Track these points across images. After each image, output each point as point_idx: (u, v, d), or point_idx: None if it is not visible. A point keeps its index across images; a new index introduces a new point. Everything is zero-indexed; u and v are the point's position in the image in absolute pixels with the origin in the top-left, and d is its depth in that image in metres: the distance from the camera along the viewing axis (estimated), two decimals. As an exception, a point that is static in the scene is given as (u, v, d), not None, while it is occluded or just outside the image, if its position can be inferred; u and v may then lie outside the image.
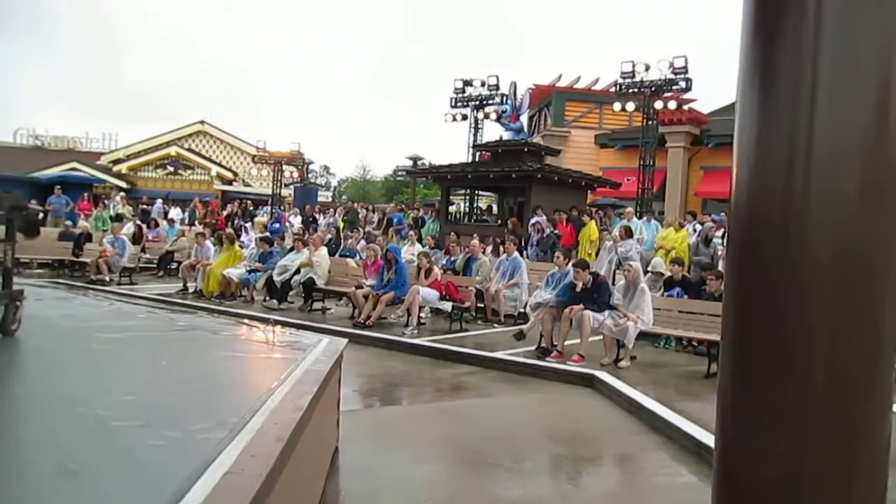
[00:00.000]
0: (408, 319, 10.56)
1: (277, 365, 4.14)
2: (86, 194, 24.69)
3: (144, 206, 24.74)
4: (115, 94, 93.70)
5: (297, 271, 12.74)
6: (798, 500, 1.28)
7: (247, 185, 37.80)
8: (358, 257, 15.24)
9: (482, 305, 11.86)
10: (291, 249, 13.77)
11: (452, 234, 15.41)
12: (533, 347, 9.15)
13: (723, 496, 1.42)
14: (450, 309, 10.81)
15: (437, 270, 11.35)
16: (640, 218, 16.72)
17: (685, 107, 22.28)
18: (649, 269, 11.02)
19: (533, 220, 15.89)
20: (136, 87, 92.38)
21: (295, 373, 3.75)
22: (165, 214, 23.92)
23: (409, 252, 15.02)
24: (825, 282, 1.30)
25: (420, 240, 16.41)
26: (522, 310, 11.27)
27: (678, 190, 24.55)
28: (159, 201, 25.72)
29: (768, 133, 1.41)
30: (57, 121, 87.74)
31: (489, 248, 14.05)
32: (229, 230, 16.97)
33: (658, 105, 19.58)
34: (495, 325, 11.37)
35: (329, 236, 17.74)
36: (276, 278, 12.74)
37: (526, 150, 18.66)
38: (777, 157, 1.39)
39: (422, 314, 11.10)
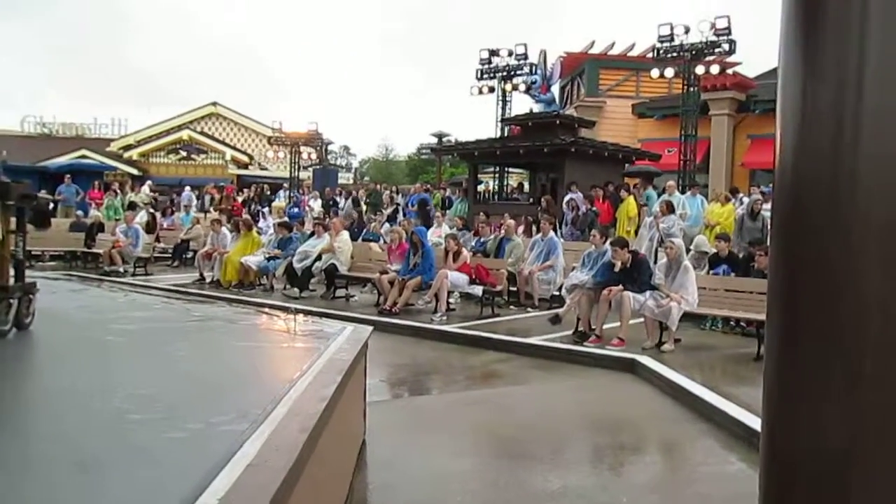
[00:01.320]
0: (436, 305, 10.62)
1: (299, 355, 4.19)
2: (96, 182, 25.07)
3: (155, 195, 24.93)
4: (123, 78, 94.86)
5: (319, 258, 12.84)
6: (851, 478, 1.27)
7: (263, 168, 38.14)
8: (382, 241, 15.35)
9: (515, 289, 11.88)
10: (312, 235, 13.89)
11: (481, 214, 15.44)
12: (569, 332, 9.16)
13: (771, 479, 1.42)
14: (480, 293, 10.85)
15: (465, 253, 11.38)
16: (682, 192, 16.55)
17: (729, 71, 21.83)
18: (692, 247, 10.92)
19: (567, 198, 15.82)
20: (145, 70, 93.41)
21: (318, 363, 3.80)
22: (198, 203, 24.19)
23: (436, 234, 15.06)
24: (878, 248, 1.29)
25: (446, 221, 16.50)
26: (557, 292, 11.27)
27: (723, 161, 24.22)
28: (188, 189, 25.85)
29: (814, 88, 1.39)
30: (64, 106, 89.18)
31: (521, 229, 14.03)
32: (246, 216, 17.19)
33: (699, 70, 19.29)
34: (529, 309, 11.40)
35: (353, 215, 17.83)
36: (296, 265, 12.86)
37: (558, 122, 18.56)
38: (824, 114, 1.37)
39: (451, 300, 11.19)
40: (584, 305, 9.07)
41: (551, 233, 12.17)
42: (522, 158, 18.47)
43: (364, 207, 20.69)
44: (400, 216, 20.39)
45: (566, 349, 8.37)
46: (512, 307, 11.56)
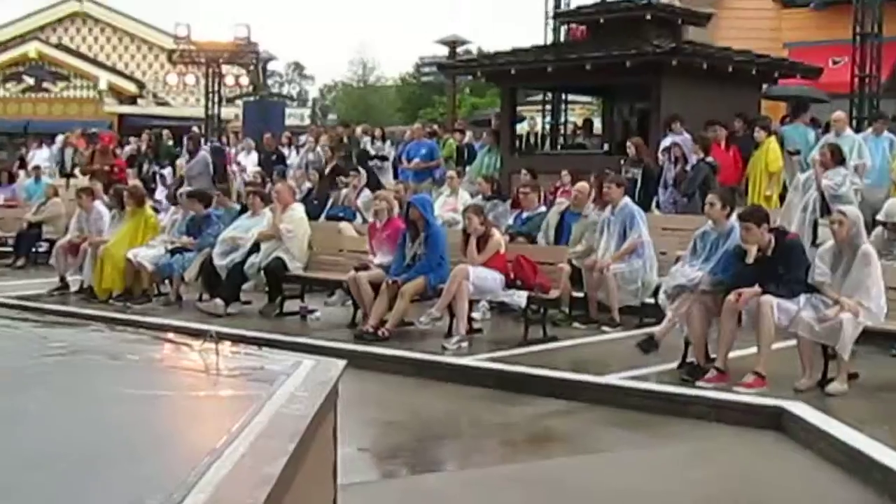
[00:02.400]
0: (450, 324, 10.72)
1: (226, 409, 4.20)
2: None
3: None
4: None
5: (255, 249, 12.92)
6: None
7: (161, 103, 38.33)
8: (360, 219, 15.37)
9: (581, 295, 11.93)
10: (243, 211, 13.98)
11: (524, 172, 15.42)
12: (673, 365, 9.19)
13: None
14: (524, 303, 10.87)
15: (498, 237, 11.38)
16: (857, 130, 16.43)
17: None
18: (881, 217, 10.82)
19: (666, 143, 15.76)
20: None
21: (256, 421, 3.79)
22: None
23: (450, 207, 15.06)
24: None
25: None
26: (651, 299, 11.30)
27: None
28: (57, 142, 25.84)
29: None
30: None
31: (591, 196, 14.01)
32: (135, 183, 17.23)
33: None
34: (605, 328, 11.47)
35: (308, 185, 17.85)
36: (217, 262, 12.94)
37: (649, 18, 18.43)
38: None
39: (475, 314, 11.23)
40: (696, 320, 9.03)
41: (625, 200, 12.10)
42: (591, 79, 18.41)
43: (329, 165, 20.67)
44: (388, 178, 20.37)
45: (668, 393, 8.38)
46: (577, 325, 11.67)
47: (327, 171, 18.95)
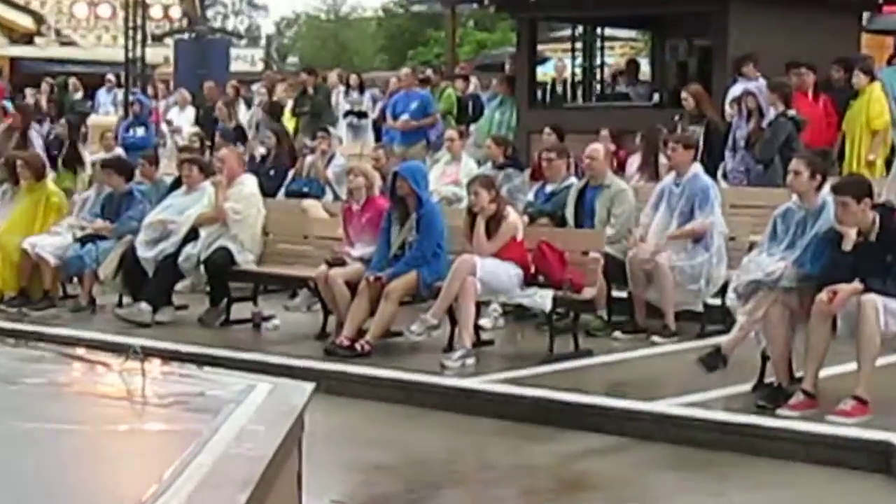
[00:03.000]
0: (452, 335, 10.78)
1: (155, 449, 4.21)
2: None
3: None
4: None
5: (192, 236, 12.96)
6: None
7: (66, 42, 38.26)
8: (331, 196, 15.46)
9: (624, 294, 11.95)
10: (176, 186, 13.99)
11: (547, 131, 15.50)
12: (747, 387, 9.19)
13: None
14: (549, 306, 10.87)
15: (514, 218, 11.37)
16: None
17: None
18: None
19: (735, 91, 15.75)
20: None
21: (195, 465, 3.79)
22: None
23: (450, 179, 15.13)
24: None
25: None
26: (717, 300, 11.30)
27: None
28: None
29: None
30: None
31: (633, 161, 14.04)
32: (35, 152, 17.15)
33: None
34: (656, 337, 11.49)
35: (261, 150, 17.80)
36: (142, 254, 12.93)
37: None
38: None
39: (484, 320, 11.34)
40: (776, 327, 9.00)
41: (695, 168, 12.08)
42: (636, 6, 18.50)
43: (290, 124, 20.67)
44: (367, 139, 20.35)
45: (740, 425, 8.37)
46: (619, 334, 11.69)
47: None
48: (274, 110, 20.88)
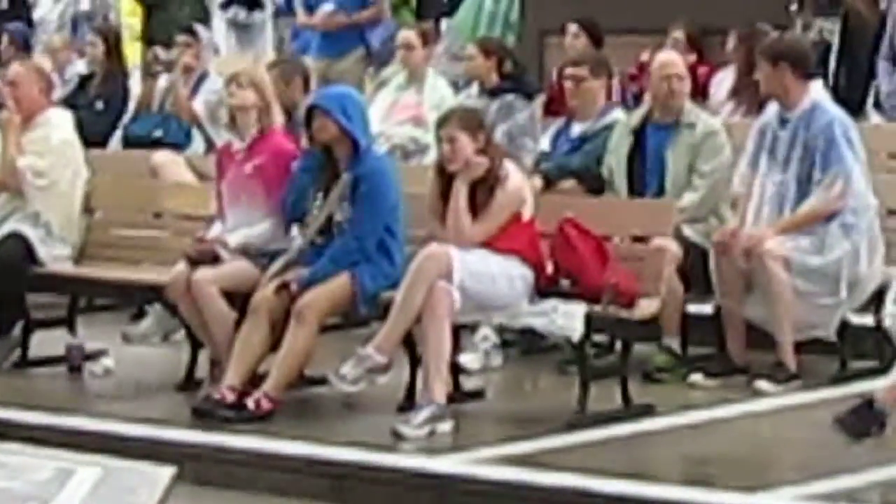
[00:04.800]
0: (412, 383, 10.78)
1: None
2: None
3: None
4: None
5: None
6: None
7: None
8: (200, 145, 15.56)
9: (710, 311, 11.94)
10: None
11: (574, 30, 15.70)
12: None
13: None
14: (578, 330, 10.79)
15: (516, 181, 11.30)
16: None
17: None
18: None
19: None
20: None
21: None
22: None
23: (406, 111, 15.24)
24: None
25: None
26: (863, 318, 11.38)
27: None
28: None
29: None
30: None
31: (723, 80, 14.10)
32: None
33: None
34: (762, 382, 11.49)
35: (80, 66, 17.78)
36: None
37: None
38: None
39: (469, 357, 11.41)
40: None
41: (813, 92, 12.10)
42: None
43: (130, 19, 20.70)
44: (263, 46, 20.49)
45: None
46: (698, 378, 11.68)
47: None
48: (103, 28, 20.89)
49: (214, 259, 11.44)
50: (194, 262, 11.42)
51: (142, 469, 5.36)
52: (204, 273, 11.30)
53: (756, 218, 11.72)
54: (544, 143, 13.43)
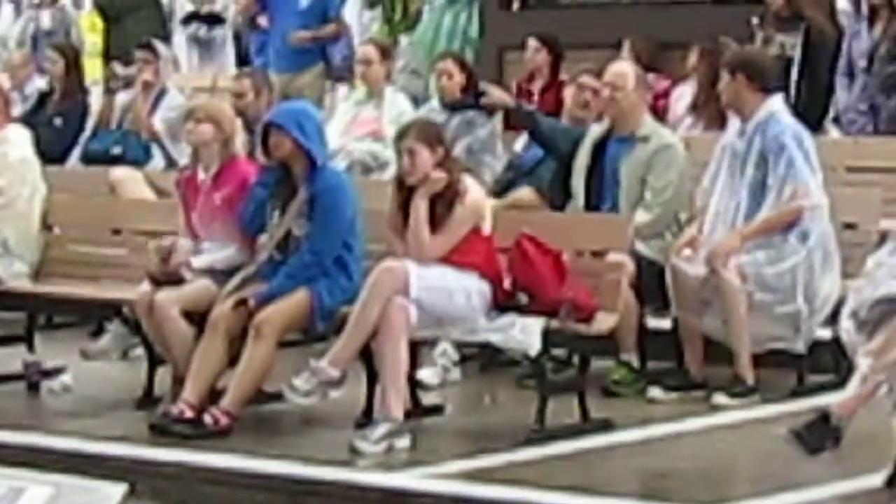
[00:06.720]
0: (370, 398, 10.81)
1: None
2: None
3: None
4: None
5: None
6: None
7: None
8: (160, 161, 15.57)
9: (668, 326, 11.99)
10: None
11: (535, 44, 15.76)
12: (877, 479, 9.08)
13: None
14: (536, 345, 10.79)
15: (476, 196, 11.31)
16: None
17: None
18: None
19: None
20: None
21: None
22: None
23: (365, 126, 15.24)
24: None
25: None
26: (820, 331, 11.43)
27: None
28: None
29: None
30: None
31: (682, 95, 14.12)
32: None
33: None
34: (719, 396, 11.55)
35: (39, 82, 17.77)
36: None
37: None
38: None
39: (426, 372, 11.45)
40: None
41: (769, 105, 12.10)
42: None
43: (91, 36, 20.68)
44: (224, 62, 20.53)
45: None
46: (656, 392, 11.71)
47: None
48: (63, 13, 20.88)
49: (175, 279, 11.47)
50: (157, 281, 11.46)
51: (93, 487, 5.37)
52: (168, 295, 11.34)
53: (712, 227, 11.74)
54: (499, 163, 13.43)
